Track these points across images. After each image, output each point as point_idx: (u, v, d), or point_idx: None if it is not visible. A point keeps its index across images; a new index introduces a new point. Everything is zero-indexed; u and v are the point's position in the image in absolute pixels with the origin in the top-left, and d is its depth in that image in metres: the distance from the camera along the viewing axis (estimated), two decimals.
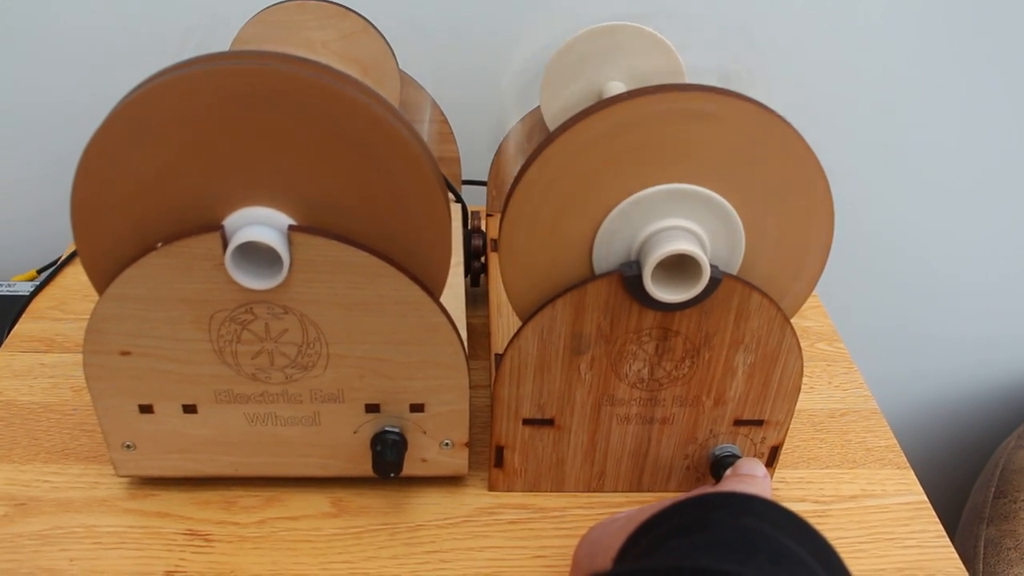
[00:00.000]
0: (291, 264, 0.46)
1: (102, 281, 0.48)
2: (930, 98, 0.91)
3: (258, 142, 0.44)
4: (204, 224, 0.46)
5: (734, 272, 0.50)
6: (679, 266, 0.48)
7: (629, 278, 0.48)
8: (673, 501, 0.40)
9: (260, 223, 0.45)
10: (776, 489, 0.59)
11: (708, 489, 0.47)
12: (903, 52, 0.88)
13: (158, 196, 0.45)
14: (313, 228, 0.46)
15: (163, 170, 0.45)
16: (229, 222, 0.46)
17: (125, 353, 0.49)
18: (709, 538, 0.36)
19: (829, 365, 0.70)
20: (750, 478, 0.51)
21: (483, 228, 0.68)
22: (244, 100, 0.43)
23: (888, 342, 1.09)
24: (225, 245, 0.45)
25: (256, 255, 0.46)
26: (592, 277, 0.49)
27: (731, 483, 0.51)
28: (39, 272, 0.86)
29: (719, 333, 0.51)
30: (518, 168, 0.72)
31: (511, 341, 0.50)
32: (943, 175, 0.97)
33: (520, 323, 0.51)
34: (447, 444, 0.54)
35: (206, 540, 0.54)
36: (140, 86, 0.44)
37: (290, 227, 0.45)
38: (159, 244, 0.46)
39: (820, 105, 0.90)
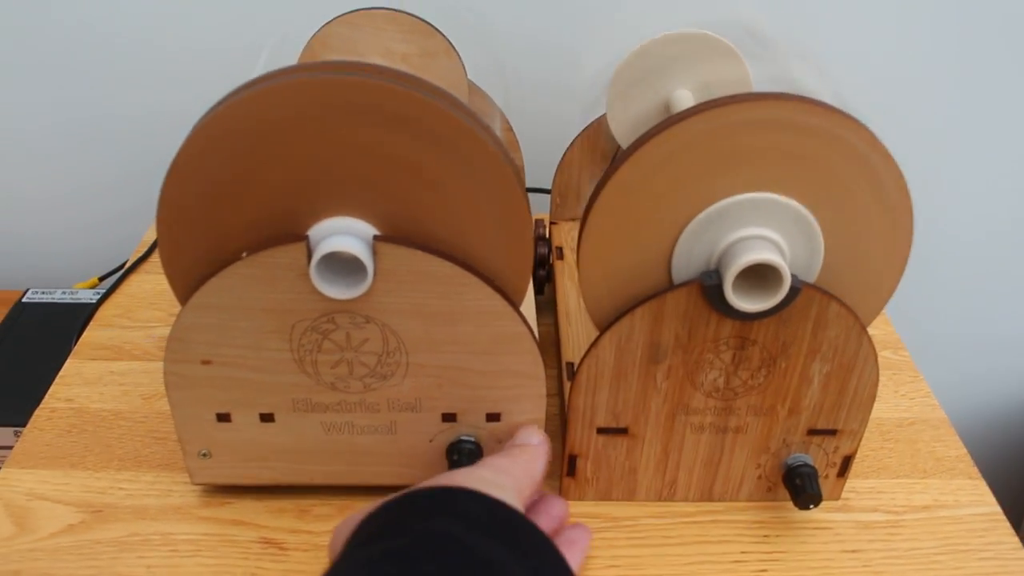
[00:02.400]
0: (374, 274, 0.46)
1: (185, 291, 0.48)
2: (992, 94, 0.91)
3: (344, 153, 0.44)
4: (288, 235, 0.46)
5: (812, 280, 0.50)
6: (758, 275, 0.48)
7: (709, 287, 0.48)
8: (390, 498, 0.39)
9: (345, 233, 0.46)
10: (847, 499, 0.59)
11: (430, 482, 0.42)
12: (953, 49, 0.88)
13: (243, 207, 0.46)
14: (398, 238, 0.46)
15: (249, 182, 0.45)
16: (314, 232, 0.46)
17: (206, 362, 0.50)
18: (389, 546, 0.35)
19: (895, 374, 0.70)
20: (519, 449, 0.49)
21: (547, 236, 0.68)
22: (330, 111, 0.43)
23: (949, 346, 1.08)
24: (310, 255, 0.46)
25: (339, 265, 0.47)
26: (671, 286, 0.49)
27: (491, 458, 0.48)
28: (101, 279, 0.87)
29: (796, 342, 0.50)
30: (583, 177, 0.73)
31: (588, 350, 0.50)
32: (998, 167, 0.96)
33: (594, 332, 0.51)
34: None
35: (281, 548, 0.54)
36: (227, 97, 0.45)
37: (375, 237, 0.46)
38: (244, 254, 0.46)
39: (878, 103, 0.90)
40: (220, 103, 0.45)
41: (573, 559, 0.49)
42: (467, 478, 0.42)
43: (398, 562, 0.34)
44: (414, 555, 0.34)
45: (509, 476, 0.45)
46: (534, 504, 0.52)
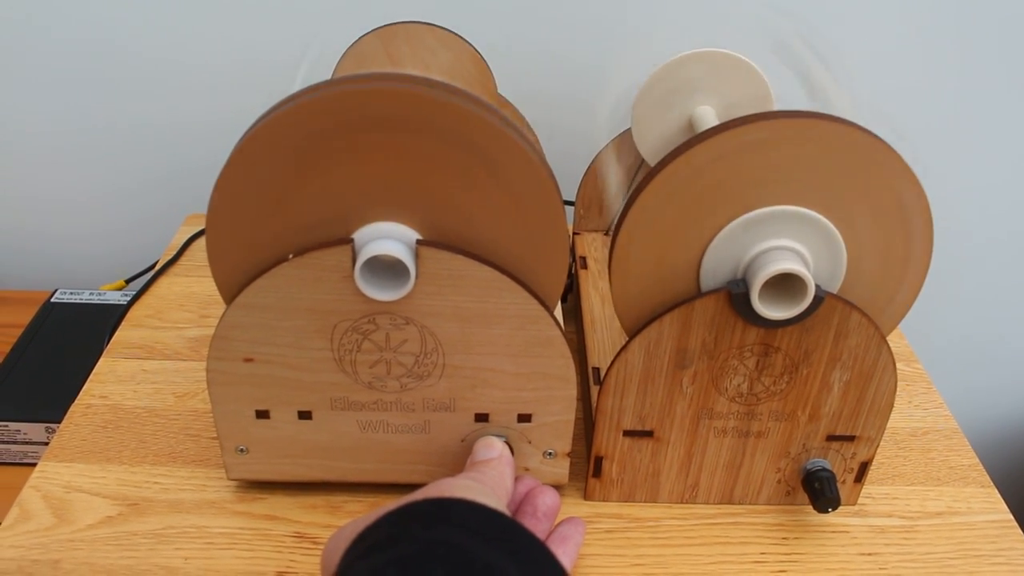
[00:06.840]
0: (416, 276, 0.48)
1: (231, 290, 0.50)
2: (1010, 112, 0.92)
3: (388, 159, 0.46)
4: (334, 238, 0.48)
5: (835, 291, 0.52)
6: (783, 284, 0.50)
7: (736, 295, 0.50)
8: (388, 509, 0.40)
9: (388, 237, 0.47)
10: (863, 504, 0.60)
11: (424, 492, 0.43)
12: (975, 63, 0.90)
13: (291, 212, 0.48)
14: (440, 243, 0.48)
15: (297, 188, 0.47)
16: (358, 236, 0.48)
17: (248, 360, 0.51)
18: (393, 556, 0.36)
19: (908, 385, 0.71)
20: (484, 464, 0.51)
21: (571, 246, 0.70)
22: (375, 120, 0.45)
23: (961, 359, 1.10)
24: (354, 258, 0.47)
25: (381, 268, 0.48)
26: (700, 294, 0.51)
27: (466, 473, 0.50)
28: (127, 282, 0.89)
29: (818, 350, 0.52)
30: (609, 190, 0.74)
31: (618, 354, 0.52)
32: (1013, 182, 0.98)
33: (618, 339, 0.53)
34: (550, 454, 0.55)
35: (314, 543, 0.56)
36: (278, 106, 0.46)
37: (418, 241, 0.47)
38: (290, 256, 0.48)
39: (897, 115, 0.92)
40: (271, 111, 0.46)
41: (567, 555, 0.51)
42: (457, 488, 0.43)
43: (405, 570, 0.35)
44: (420, 563, 0.35)
45: (488, 487, 0.46)
46: (527, 496, 0.53)
